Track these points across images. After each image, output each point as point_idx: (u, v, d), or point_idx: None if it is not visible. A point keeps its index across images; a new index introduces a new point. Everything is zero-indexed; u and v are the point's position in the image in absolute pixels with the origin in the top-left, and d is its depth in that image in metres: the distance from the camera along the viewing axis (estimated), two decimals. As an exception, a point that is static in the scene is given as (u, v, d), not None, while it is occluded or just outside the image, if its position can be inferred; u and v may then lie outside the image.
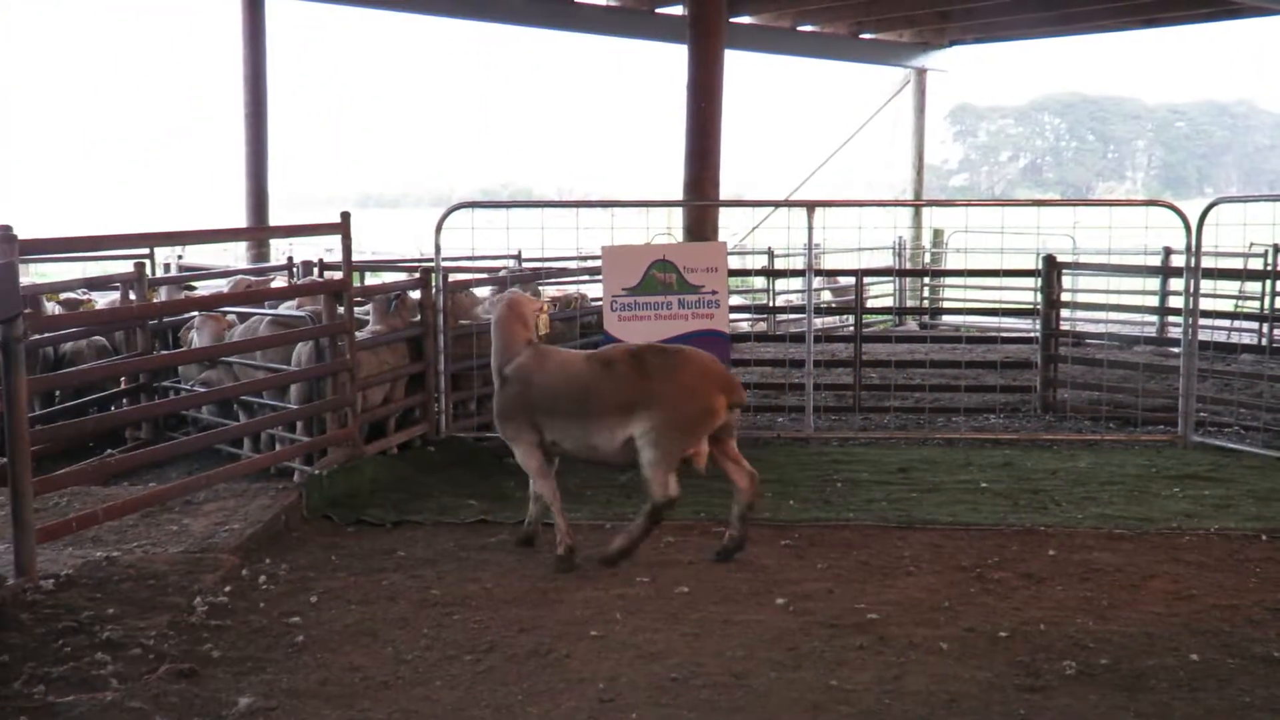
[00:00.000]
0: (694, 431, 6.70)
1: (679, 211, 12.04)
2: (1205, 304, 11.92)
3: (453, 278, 10.91)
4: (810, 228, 11.05)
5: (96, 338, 11.23)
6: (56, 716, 4.72)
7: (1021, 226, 12.55)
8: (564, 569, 6.86)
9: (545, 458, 7.08)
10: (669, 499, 6.67)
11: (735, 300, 17.82)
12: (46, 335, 10.10)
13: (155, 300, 11.08)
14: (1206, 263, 11.05)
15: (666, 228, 12.32)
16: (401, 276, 13.60)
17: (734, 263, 18.91)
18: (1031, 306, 13.72)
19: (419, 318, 10.53)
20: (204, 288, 13.56)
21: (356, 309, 9.68)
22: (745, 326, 18.05)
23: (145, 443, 10.37)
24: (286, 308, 10.66)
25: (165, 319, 10.84)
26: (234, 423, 9.84)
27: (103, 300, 12.72)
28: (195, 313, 10.49)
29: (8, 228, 6.29)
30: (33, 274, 18.54)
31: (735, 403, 6.83)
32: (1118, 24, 21.14)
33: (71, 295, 12.14)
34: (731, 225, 23.91)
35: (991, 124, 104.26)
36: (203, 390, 9.87)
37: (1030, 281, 14.18)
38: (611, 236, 10.86)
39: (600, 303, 11.04)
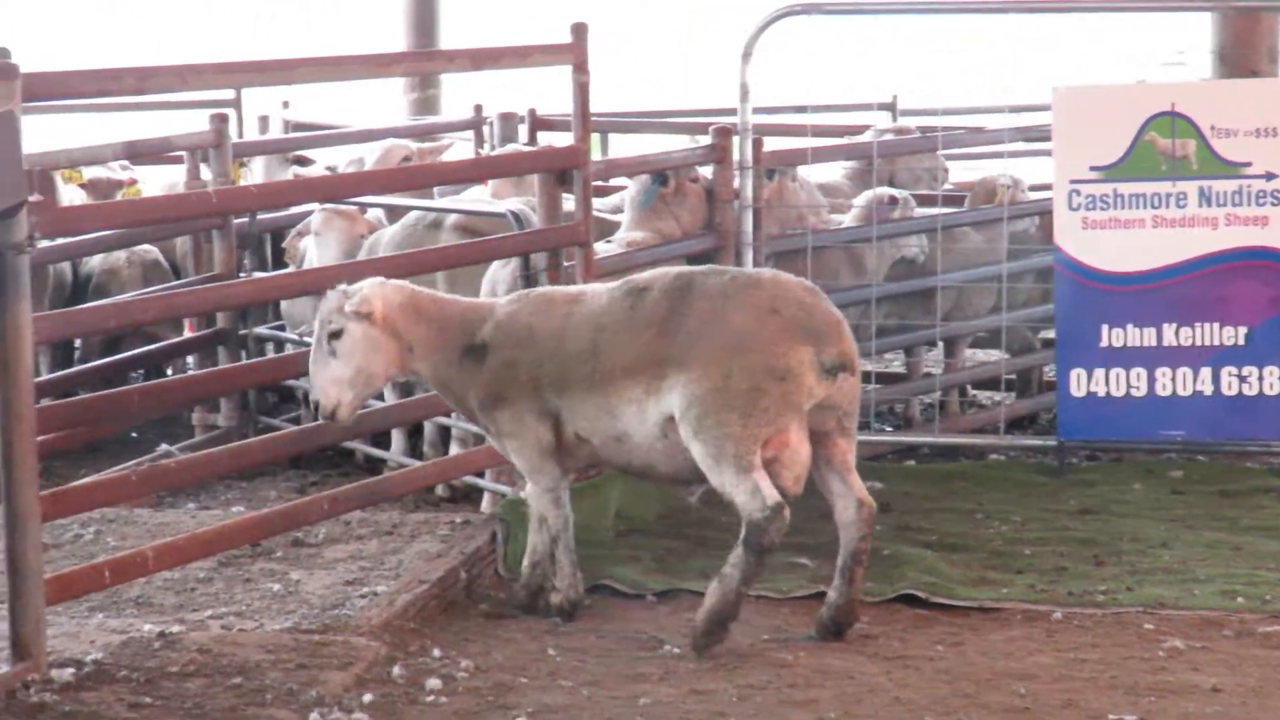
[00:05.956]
0: (755, 405, 7.23)
1: (1203, 20, 11.63)
2: None
3: (771, 144, 10.88)
4: None
5: (144, 247, 11.73)
6: None
7: None
8: (548, 615, 7.87)
9: (559, 460, 7.91)
10: (768, 511, 7.20)
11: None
12: (63, 241, 10.58)
13: (244, 182, 11.46)
14: None
15: (1177, 51, 11.93)
16: (679, 142, 13.66)
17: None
18: None
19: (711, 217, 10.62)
20: (326, 160, 13.95)
21: (600, 200, 9.75)
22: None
23: (224, 435, 10.76)
24: (472, 197, 10.82)
25: (261, 215, 11.22)
26: (380, 403, 10.10)
27: (154, 181, 13.26)
28: (313, 205, 10.80)
29: (2, 52, 6.60)
30: (41, 136, 19.50)
31: (835, 362, 7.36)
32: None
33: (103, 172, 12.70)
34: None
35: None
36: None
37: None
38: (1069, 70, 10.62)
39: (1047, 195, 10.88)
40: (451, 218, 10.12)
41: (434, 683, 6.83)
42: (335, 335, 7.62)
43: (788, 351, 7.26)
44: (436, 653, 7.22)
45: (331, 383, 7.64)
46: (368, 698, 6.58)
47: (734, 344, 7.27)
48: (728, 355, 7.25)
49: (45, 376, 10.30)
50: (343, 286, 7.70)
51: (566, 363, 7.65)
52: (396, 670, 6.93)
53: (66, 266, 11.73)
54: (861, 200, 11.33)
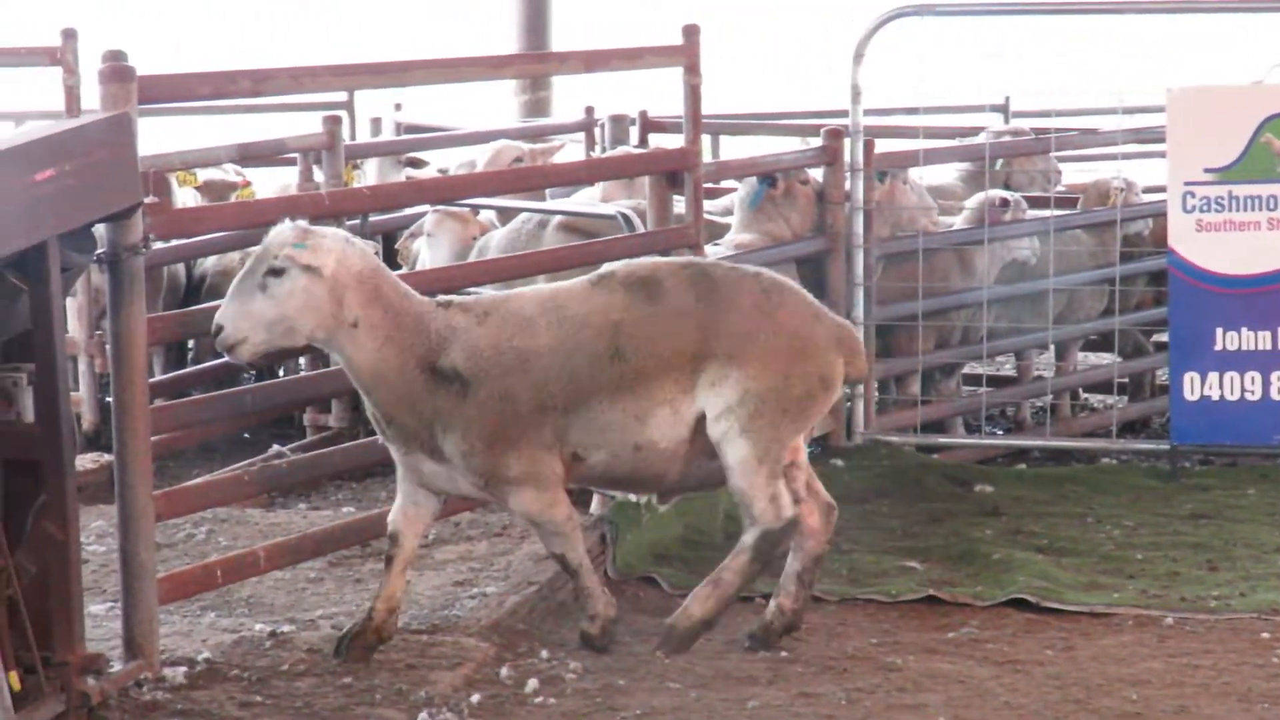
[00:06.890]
0: (803, 414, 7.38)
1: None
2: None
3: (883, 146, 10.87)
4: None
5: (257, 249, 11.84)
6: None
7: None
8: (597, 646, 7.38)
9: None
10: (784, 523, 7.27)
11: None
12: (177, 243, 10.68)
13: (356, 184, 11.53)
14: None
15: (1293, 52, 11.78)
16: (791, 144, 13.64)
17: None
18: None
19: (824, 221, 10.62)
20: (438, 162, 14.03)
21: (710, 202, 9.75)
22: None
23: (336, 436, 10.81)
24: (584, 199, 10.85)
25: (373, 217, 11.28)
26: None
27: (267, 183, 13.37)
28: (426, 206, 10.86)
29: (119, 55, 6.65)
30: (156, 138, 19.66)
31: (855, 378, 7.81)
32: None
33: (217, 175, 12.83)
34: None
35: None
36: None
37: None
38: (1184, 72, 10.53)
39: (1161, 198, 10.82)
40: (555, 218, 10.14)
41: (542, 684, 6.86)
42: (275, 272, 6.86)
43: (834, 362, 7.34)
44: (544, 654, 7.26)
45: (249, 317, 6.88)
46: (476, 698, 6.63)
47: (794, 347, 7.25)
48: (787, 358, 7.22)
49: (159, 377, 10.40)
50: (304, 224, 7.04)
51: (579, 376, 7.16)
52: (505, 671, 6.97)
53: (180, 268, 11.89)
54: (973, 202, 11.28)
